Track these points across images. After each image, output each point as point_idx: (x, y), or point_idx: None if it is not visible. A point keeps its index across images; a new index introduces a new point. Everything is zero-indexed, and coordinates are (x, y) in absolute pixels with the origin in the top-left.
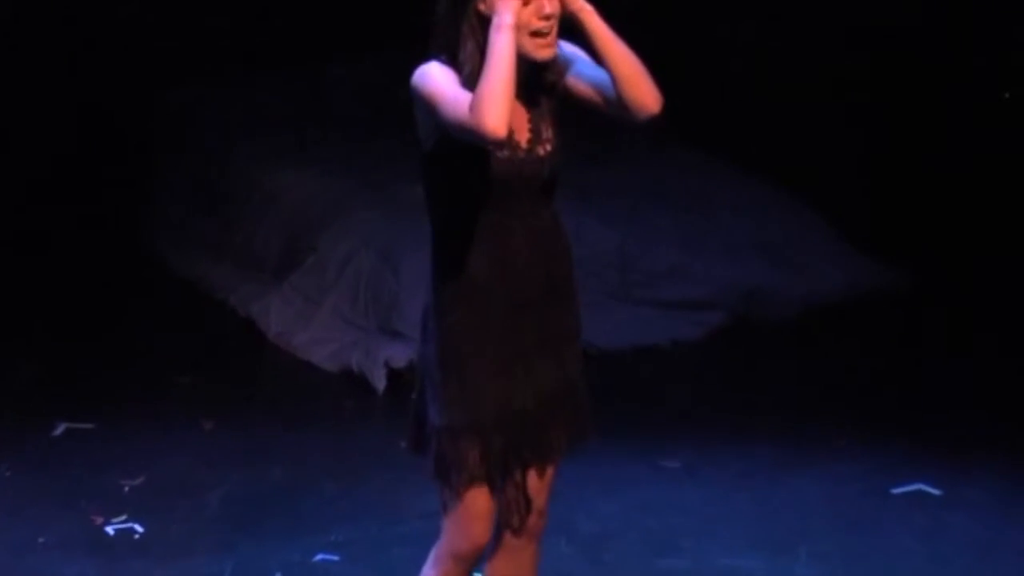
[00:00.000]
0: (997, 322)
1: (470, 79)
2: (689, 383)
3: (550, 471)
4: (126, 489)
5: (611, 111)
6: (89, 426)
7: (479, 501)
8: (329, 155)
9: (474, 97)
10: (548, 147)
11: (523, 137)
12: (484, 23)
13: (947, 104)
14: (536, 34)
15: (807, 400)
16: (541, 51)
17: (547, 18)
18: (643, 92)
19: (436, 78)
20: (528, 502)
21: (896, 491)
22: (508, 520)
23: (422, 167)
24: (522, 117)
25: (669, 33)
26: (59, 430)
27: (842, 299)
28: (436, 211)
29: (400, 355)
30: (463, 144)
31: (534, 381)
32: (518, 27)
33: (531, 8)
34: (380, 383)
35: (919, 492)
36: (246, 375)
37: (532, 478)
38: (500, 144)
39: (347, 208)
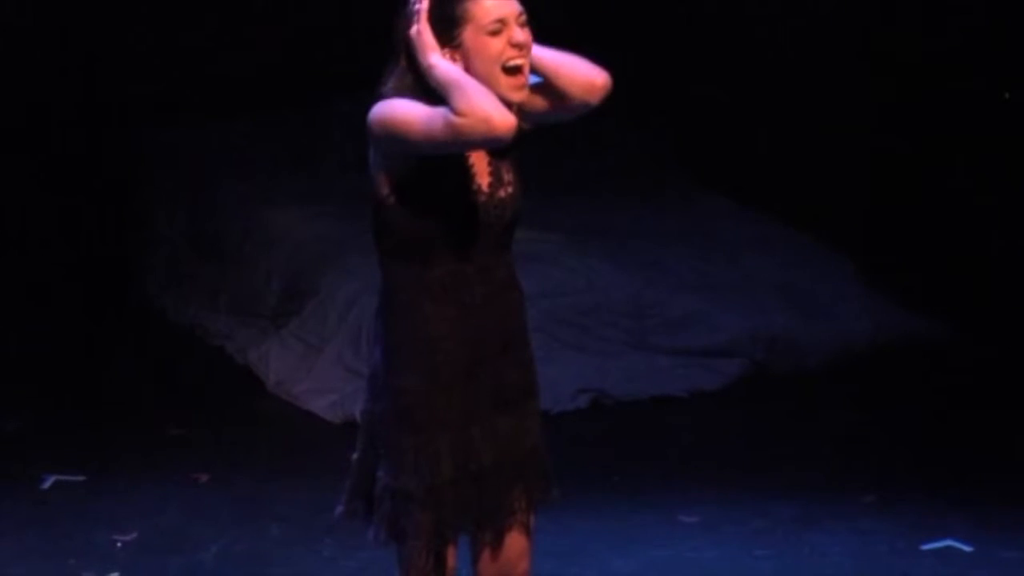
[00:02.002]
0: None
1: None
2: (708, 434)
3: (520, 534)
4: (118, 545)
5: (566, 110)
6: (79, 479)
7: (432, 562)
8: (328, 195)
9: (463, 104)
10: (509, 190)
11: (484, 180)
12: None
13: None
14: (509, 71)
15: (831, 453)
16: (515, 92)
17: (519, 47)
18: (582, 75)
19: (402, 104)
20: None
21: (926, 547)
22: None
23: (374, 213)
24: (482, 160)
25: (680, 73)
26: (47, 483)
27: (868, 348)
28: (390, 261)
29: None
30: (423, 186)
31: (492, 440)
32: (490, 62)
33: (502, 38)
34: None
35: (949, 549)
36: (243, 426)
37: (493, 538)
38: (510, 137)
39: (348, 250)
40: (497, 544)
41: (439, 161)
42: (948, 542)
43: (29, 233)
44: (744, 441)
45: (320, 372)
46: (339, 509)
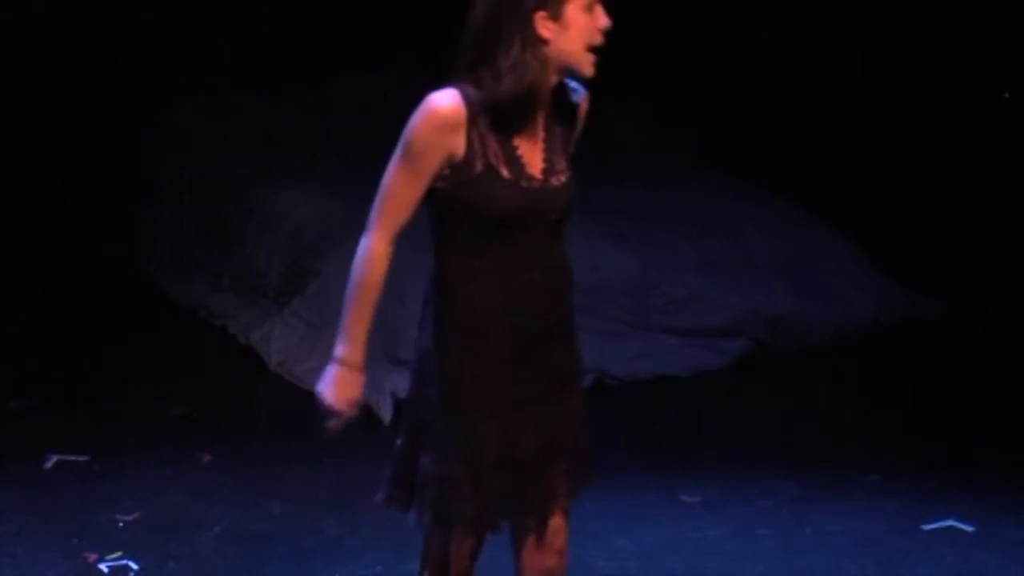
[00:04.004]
0: None
1: (502, 95)
2: (711, 414)
3: (559, 514)
4: (120, 525)
5: None
6: (82, 459)
7: (468, 545)
8: (332, 175)
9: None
10: (562, 178)
11: (536, 167)
12: (535, 43)
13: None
14: (592, 49)
15: (834, 432)
16: (591, 68)
17: (603, 32)
18: None
19: (410, 147)
20: (523, 563)
21: (927, 527)
22: (523, 564)
23: (429, 198)
24: (536, 147)
25: (686, 51)
26: (50, 462)
27: (871, 327)
28: (443, 247)
29: (406, 385)
30: (476, 172)
31: (536, 425)
32: (583, 37)
33: (593, 18)
34: (387, 414)
35: (951, 528)
36: (246, 406)
37: (538, 523)
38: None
39: (351, 231)
40: (542, 529)
41: (491, 149)
42: (950, 522)
43: (32, 212)
44: (747, 420)
45: (322, 352)
46: (379, 496)
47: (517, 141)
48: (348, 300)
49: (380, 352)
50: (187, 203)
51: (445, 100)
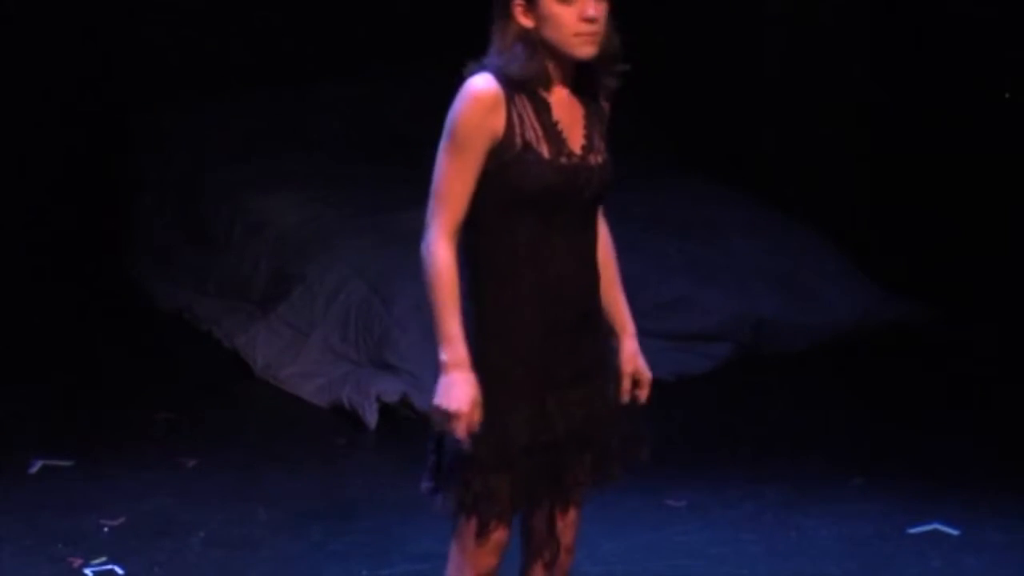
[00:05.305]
0: (1016, 355)
1: (515, 79)
2: (695, 418)
3: (575, 507)
4: (105, 530)
5: None
6: (67, 463)
7: (497, 533)
8: (317, 180)
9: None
10: (599, 158)
11: (577, 143)
12: (519, 31)
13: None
14: (578, 34)
15: (819, 436)
16: (582, 48)
17: (590, 20)
18: None
19: (456, 135)
20: (556, 538)
21: (912, 531)
22: (538, 557)
23: None
24: (578, 122)
25: (667, 53)
26: (35, 467)
27: (855, 331)
28: (477, 232)
29: (392, 389)
30: (518, 147)
31: (565, 413)
32: (562, 29)
33: (573, 10)
34: (372, 418)
35: (936, 532)
36: (231, 411)
37: (558, 513)
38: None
39: (336, 236)
40: (564, 517)
41: (530, 126)
42: (934, 525)
43: (16, 217)
44: (732, 425)
45: (307, 356)
46: (425, 484)
47: (558, 117)
48: (431, 305)
49: (364, 357)
50: (173, 207)
51: (483, 83)
